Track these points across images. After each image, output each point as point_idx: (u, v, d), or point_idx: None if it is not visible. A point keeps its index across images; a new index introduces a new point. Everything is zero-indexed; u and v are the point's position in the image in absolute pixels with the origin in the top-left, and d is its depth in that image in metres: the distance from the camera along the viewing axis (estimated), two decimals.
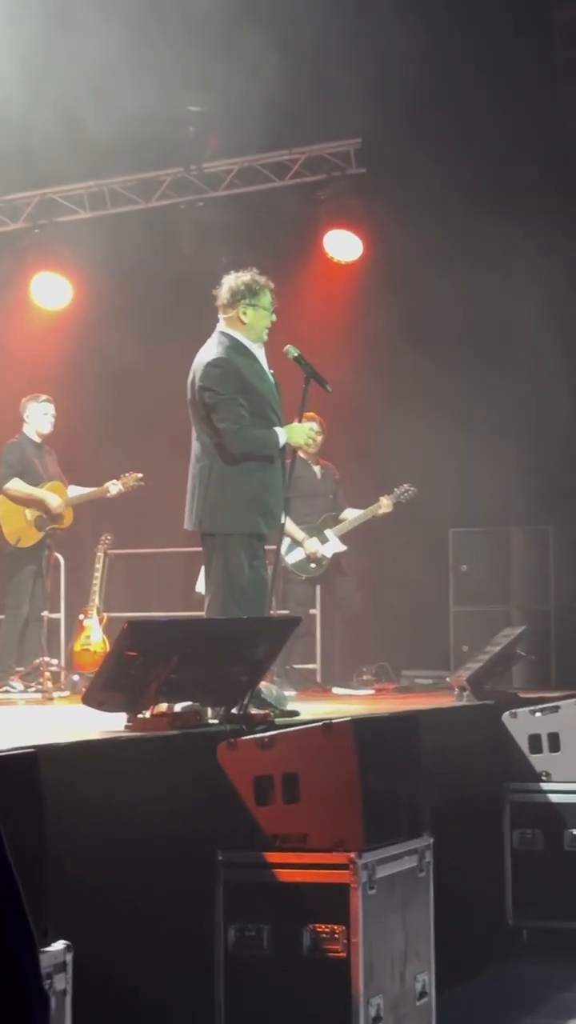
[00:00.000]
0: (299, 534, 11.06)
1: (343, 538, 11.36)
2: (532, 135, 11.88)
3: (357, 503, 11.56)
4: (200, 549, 7.88)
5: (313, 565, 11.21)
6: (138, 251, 13.23)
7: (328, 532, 11.28)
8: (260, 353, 7.69)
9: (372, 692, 11.06)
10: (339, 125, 12.53)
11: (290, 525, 10.57)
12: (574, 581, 12.19)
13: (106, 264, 13.31)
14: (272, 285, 7.77)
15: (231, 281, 7.72)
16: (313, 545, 11.14)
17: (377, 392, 12.65)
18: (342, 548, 11.32)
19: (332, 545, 11.27)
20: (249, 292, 7.65)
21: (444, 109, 11.85)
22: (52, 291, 13.57)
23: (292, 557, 11.09)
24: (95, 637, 11.23)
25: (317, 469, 11.48)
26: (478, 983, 7.14)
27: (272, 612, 9.78)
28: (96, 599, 11.42)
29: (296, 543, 11.08)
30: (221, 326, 7.73)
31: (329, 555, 11.24)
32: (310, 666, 11.67)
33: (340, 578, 11.42)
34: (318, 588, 11.53)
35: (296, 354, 7.87)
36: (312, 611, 11.52)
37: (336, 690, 11.01)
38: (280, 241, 12.66)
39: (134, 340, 13.08)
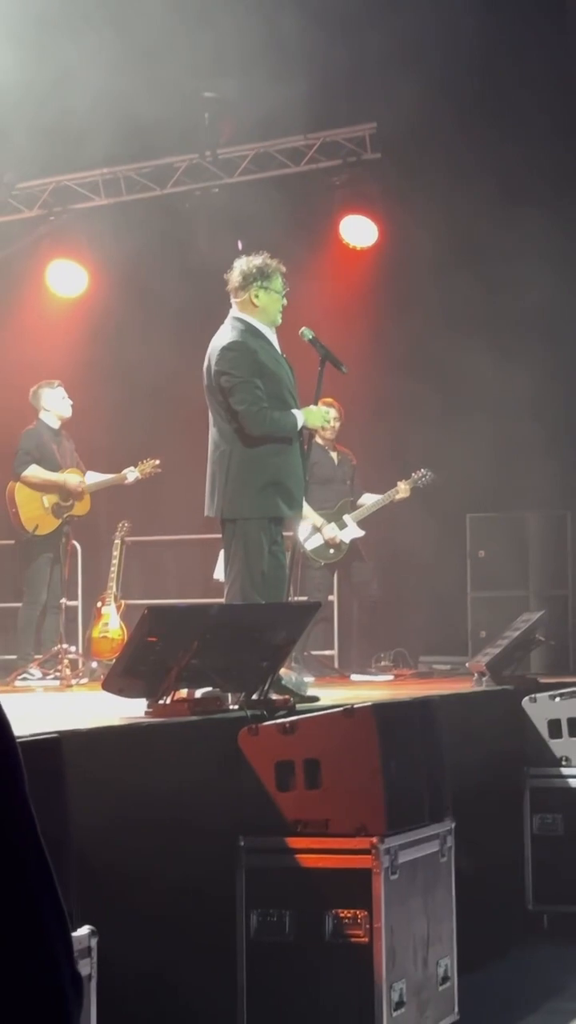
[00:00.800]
0: (317, 520, 11.05)
1: (361, 523, 11.36)
2: (549, 119, 11.83)
3: (374, 488, 11.56)
4: (218, 536, 7.88)
5: (332, 551, 11.20)
6: (153, 238, 13.23)
7: (346, 518, 11.27)
8: (273, 337, 7.68)
9: (391, 678, 11.05)
10: (354, 110, 12.50)
11: (308, 511, 10.56)
12: None
13: (121, 251, 13.30)
14: (283, 268, 7.76)
15: (242, 264, 7.71)
16: (331, 531, 11.14)
17: (394, 377, 12.64)
18: (360, 533, 11.31)
19: (350, 530, 11.26)
20: (261, 275, 7.65)
21: (459, 93, 11.82)
22: (67, 278, 13.57)
23: (311, 543, 11.08)
24: (113, 624, 11.23)
25: (334, 455, 11.47)
26: (498, 968, 7.14)
27: (290, 599, 9.82)
28: (113, 586, 11.41)
29: (315, 529, 11.07)
30: (234, 311, 7.73)
31: (347, 540, 11.23)
32: (327, 652, 11.67)
33: (358, 564, 11.41)
34: (336, 574, 11.53)
35: (311, 336, 7.87)
36: (331, 597, 11.51)
37: (355, 677, 11.00)
38: (295, 227, 12.63)
39: (150, 326, 13.08)
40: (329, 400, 10.66)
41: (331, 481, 11.37)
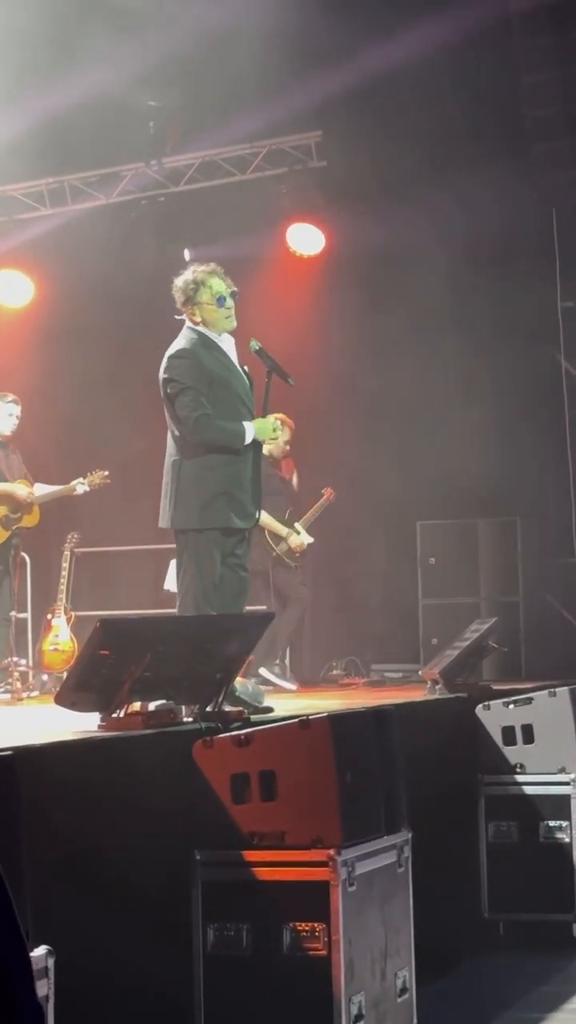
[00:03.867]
0: (281, 529, 11.11)
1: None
2: (493, 125, 11.85)
3: (315, 494, 11.59)
4: (167, 546, 7.83)
5: (297, 555, 11.26)
6: (100, 247, 13.18)
7: (297, 525, 11.31)
8: (229, 346, 7.63)
9: (295, 688, 10.90)
10: (300, 118, 12.48)
11: (269, 519, 10.61)
12: (542, 572, 12.21)
13: (68, 261, 13.25)
14: (220, 269, 7.71)
15: (179, 281, 7.69)
16: (296, 539, 11.18)
17: (342, 386, 12.64)
18: (311, 540, 11.34)
19: (304, 538, 11.30)
20: (199, 284, 7.62)
21: (404, 101, 11.81)
22: (13, 288, 13.50)
23: (281, 548, 11.16)
24: (63, 637, 11.16)
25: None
26: (455, 977, 7.11)
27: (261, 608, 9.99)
28: (63, 598, 11.34)
29: (280, 538, 11.11)
30: (187, 323, 7.69)
31: (305, 546, 11.32)
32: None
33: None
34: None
35: (258, 347, 7.81)
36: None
37: (263, 671, 10.90)
38: (242, 235, 12.61)
39: (97, 336, 13.02)
40: (281, 416, 10.71)
41: (277, 493, 11.36)
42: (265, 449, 10.88)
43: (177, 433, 7.46)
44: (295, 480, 11.66)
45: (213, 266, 7.70)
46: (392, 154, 11.90)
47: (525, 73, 11.81)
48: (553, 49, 11.57)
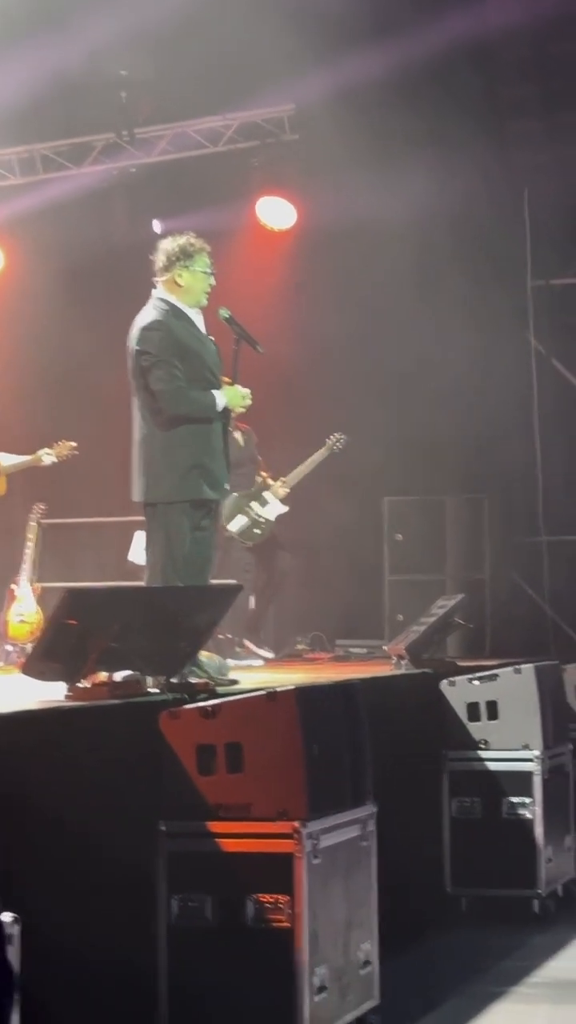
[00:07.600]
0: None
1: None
2: (467, 99, 11.81)
3: (288, 467, 11.48)
4: (134, 518, 7.82)
5: (257, 531, 11.10)
6: (70, 217, 13.10)
7: (267, 495, 11.18)
8: (198, 318, 7.60)
9: (270, 657, 10.87)
10: (272, 91, 12.43)
11: None
12: (509, 550, 12.23)
13: (38, 231, 13.18)
14: (208, 248, 7.68)
15: (167, 245, 7.64)
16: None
17: (311, 359, 12.60)
18: (284, 509, 11.23)
19: (273, 507, 11.18)
20: (184, 255, 7.57)
21: (378, 77, 11.76)
22: None
23: (235, 524, 10.99)
24: (28, 607, 11.12)
25: (239, 436, 11.08)
26: (418, 952, 7.13)
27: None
28: (29, 569, 11.30)
29: (235, 516, 11.00)
30: (158, 291, 7.64)
31: (272, 518, 11.16)
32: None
33: (281, 553, 11.32)
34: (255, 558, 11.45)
35: (227, 316, 7.79)
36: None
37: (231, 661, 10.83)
38: (213, 208, 12.55)
39: (67, 306, 12.95)
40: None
41: (240, 464, 11.20)
42: None
43: (148, 406, 7.42)
44: (255, 438, 11.48)
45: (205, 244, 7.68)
46: (365, 129, 11.85)
47: (500, 51, 11.78)
48: (528, 28, 11.54)
